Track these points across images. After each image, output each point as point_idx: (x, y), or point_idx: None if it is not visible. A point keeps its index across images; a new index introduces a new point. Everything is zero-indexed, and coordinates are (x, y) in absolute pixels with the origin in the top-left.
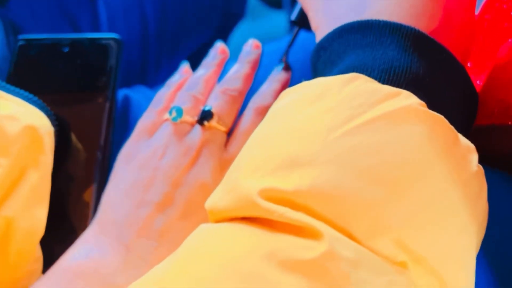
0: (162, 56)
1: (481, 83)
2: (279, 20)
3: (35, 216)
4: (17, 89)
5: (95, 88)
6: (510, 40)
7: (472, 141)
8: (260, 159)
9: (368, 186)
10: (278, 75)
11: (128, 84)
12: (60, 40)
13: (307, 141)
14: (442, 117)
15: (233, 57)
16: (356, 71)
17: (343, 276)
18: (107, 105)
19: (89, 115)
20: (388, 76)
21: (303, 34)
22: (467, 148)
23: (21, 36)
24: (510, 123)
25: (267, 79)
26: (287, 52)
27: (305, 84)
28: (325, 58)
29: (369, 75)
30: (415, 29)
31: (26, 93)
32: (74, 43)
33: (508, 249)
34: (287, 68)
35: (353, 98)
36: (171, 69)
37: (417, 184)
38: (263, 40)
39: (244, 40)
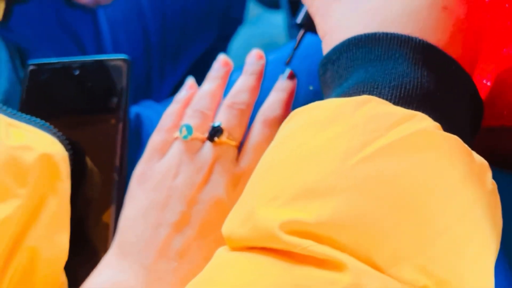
0: (166, 65)
1: (488, 82)
2: (278, 21)
3: (58, 243)
4: (29, 117)
5: (107, 110)
6: None
7: (482, 142)
8: (277, 187)
9: (389, 214)
10: (283, 84)
11: (134, 95)
12: (69, 63)
13: (324, 169)
14: (457, 138)
15: (236, 61)
16: (366, 88)
17: None
18: (120, 125)
19: (103, 137)
20: (400, 93)
21: (307, 39)
22: (482, 166)
23: (30, 61)
24: None
25: (273, 89)
26: (292, 55)
27: (315, 106)
28: (333, 72)
29: (380, 93)
30: (423, 41)
31: (38, 120)
32: (83, 65)
33: None
34: (292, 76)
35: (367, 122)
36: (176, 78)
37: (437, 209)
38: (264, 44)
39: (246, 44)
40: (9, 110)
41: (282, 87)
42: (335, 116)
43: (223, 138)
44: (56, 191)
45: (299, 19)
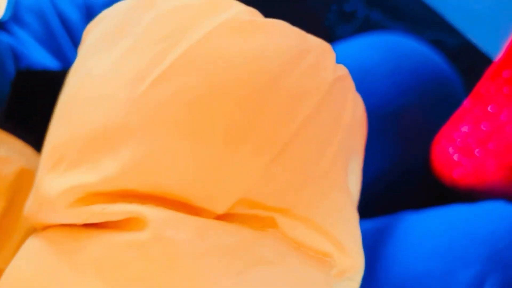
0: None
1: None
2: None
3: None
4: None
5: None
6: None
7: None
8: (62, 144)
9: (200, 144)
10: None
11: None
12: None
13: (112, 102)
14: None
15: None
16: None
17: (176, 254)
18: None
19: None
20: None
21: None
22: (322, 49)
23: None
24: None
25: None
26: None
27: (105, 14)
28: None
29: None
30: None
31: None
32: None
33: None
34: None
35: (161, 28)
36: None
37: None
38: None
39: None
40: None
41: None
42: (121, 26)
43: None
44: None
45: None
